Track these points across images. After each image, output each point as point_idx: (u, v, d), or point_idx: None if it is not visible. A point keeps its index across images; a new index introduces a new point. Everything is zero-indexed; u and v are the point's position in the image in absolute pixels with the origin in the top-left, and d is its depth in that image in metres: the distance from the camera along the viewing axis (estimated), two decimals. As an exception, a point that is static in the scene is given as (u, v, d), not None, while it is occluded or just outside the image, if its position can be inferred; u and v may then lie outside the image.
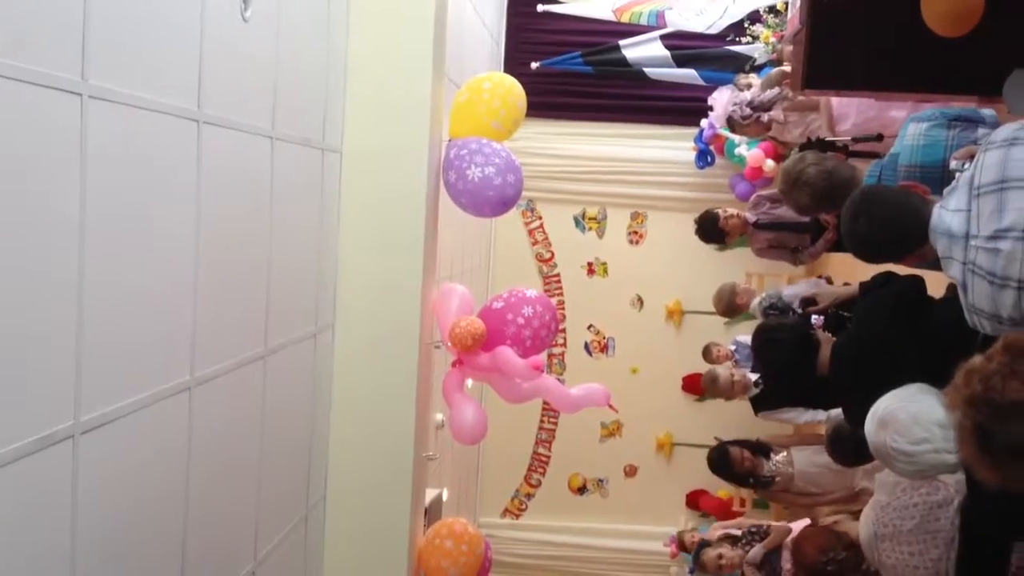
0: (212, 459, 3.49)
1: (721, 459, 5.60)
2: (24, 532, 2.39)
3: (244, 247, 3.73)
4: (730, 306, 6.32)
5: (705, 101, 7.82)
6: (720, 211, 5.88)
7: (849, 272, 5.80)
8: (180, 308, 3.19)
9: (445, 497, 6.27)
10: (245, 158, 3.69)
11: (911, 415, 2.55)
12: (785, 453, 5.46)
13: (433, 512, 5.77)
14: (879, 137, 4.16)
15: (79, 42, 2.48)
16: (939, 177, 3.07)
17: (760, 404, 5.51)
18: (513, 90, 5.16)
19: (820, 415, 5.14)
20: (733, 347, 6.96)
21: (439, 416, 5.82)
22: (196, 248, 3.25)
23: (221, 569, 3.73)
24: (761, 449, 5.57)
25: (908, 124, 3.33)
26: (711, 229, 5.93)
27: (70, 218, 2.50)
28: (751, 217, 5.82)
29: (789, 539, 4.78)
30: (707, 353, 7.28)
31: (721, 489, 8.74)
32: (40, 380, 2.42)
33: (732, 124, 6.37)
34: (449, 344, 5.01)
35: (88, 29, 2.50)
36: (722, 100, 7.17)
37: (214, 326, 3.43)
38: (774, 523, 5.75)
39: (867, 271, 3.60)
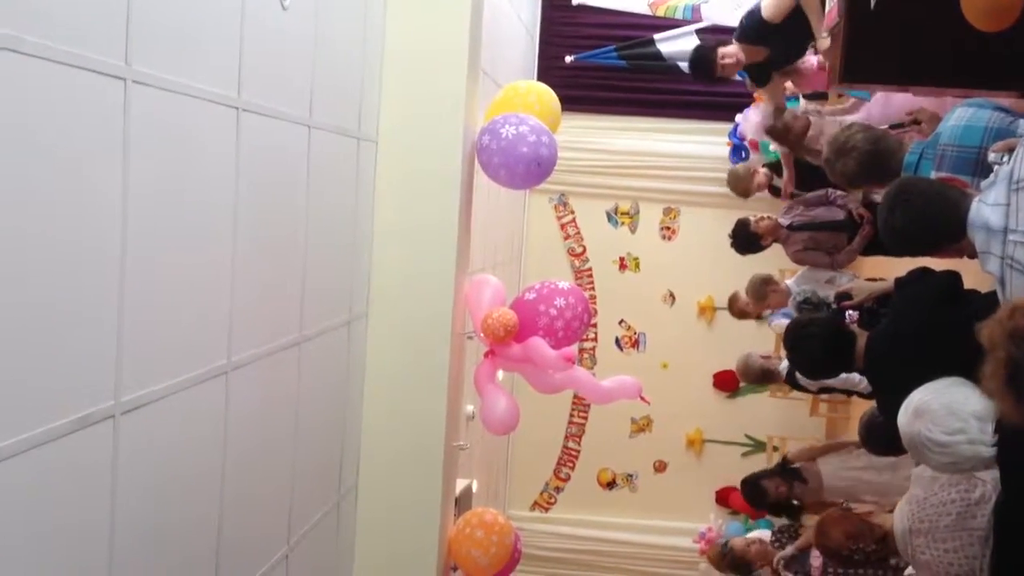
0: (247, 444, 3.53)
1: (755, 493, 5.61)
2: (64, 510, 2.43)
3: (281, 234, 3.76)
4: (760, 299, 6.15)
5: (739, 96, 7.78)
6: (750, 216, 5.85)
7: (884, 275, 5.73)
8: (218, 293, 3.22)
9: (475, 488, 6.29)
10: (283, 145, 3.72)
11: (946, 405, 2.54)
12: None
13: (463, 503, 5.79)
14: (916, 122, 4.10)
15: (123, 27, 2.52)
16: (973, 159, 3.03)
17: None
18: (549, 92, 5.27)
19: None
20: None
21: (470, 407, 5.84)
22: (234, 234, 3.28)
23: (255, 552, 3.77)
24: (791, 473, 5.58)
25: (956, 108, 3.30)
26: (745, 236, 5.89)
27: (113, 201, 2.53)
28: (784, 221, 5.79)
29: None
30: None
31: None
32: (82, 361, 2.46)
33: None
34: (481, 335, 5.02)
35: (132, 14, 2.54)
36: (750, 128, 7.15)
37: (251, 311, 3.47)
38: (806, 524, 5.72)
39: (903, 271, 3.58)
